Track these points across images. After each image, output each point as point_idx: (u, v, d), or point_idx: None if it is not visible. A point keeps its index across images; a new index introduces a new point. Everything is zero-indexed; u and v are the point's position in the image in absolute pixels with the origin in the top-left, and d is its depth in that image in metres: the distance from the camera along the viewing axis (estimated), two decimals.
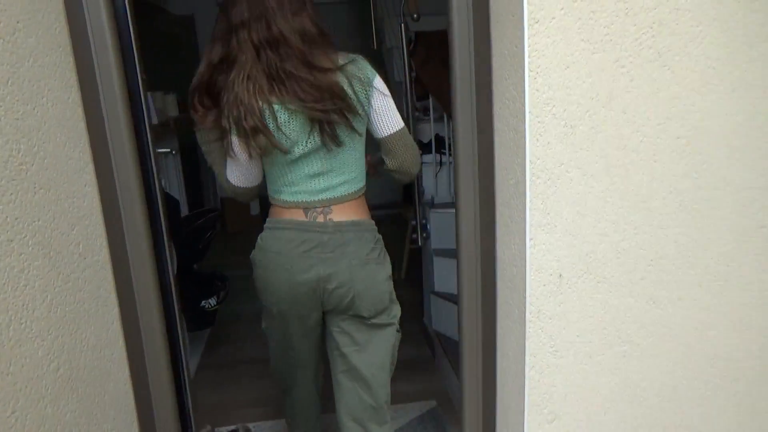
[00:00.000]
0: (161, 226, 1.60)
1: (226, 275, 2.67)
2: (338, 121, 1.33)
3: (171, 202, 2.53)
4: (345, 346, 1.50)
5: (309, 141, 1.36)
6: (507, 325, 1.39)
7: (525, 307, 1.26)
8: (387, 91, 1.41)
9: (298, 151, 1.36)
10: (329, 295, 1.43)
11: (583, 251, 1.23)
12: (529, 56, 1.13)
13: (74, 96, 1.29)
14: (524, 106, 1.16)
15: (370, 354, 1.49)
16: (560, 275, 1.24)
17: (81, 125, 1.31)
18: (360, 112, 1.36)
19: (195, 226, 2.60)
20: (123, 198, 1.41)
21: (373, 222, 1.50)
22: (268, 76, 1.31)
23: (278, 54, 1.30)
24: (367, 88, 1.37)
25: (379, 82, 1.40)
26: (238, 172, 1.44)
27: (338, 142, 1.36)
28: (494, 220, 1.39)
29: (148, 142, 1.56)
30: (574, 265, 1.23)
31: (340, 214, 1.42)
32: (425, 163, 2.76)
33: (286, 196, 1.43)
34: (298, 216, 1.42)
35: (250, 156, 1.36)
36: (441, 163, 2.70)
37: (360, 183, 1.46)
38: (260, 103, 1.31)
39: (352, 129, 1.36)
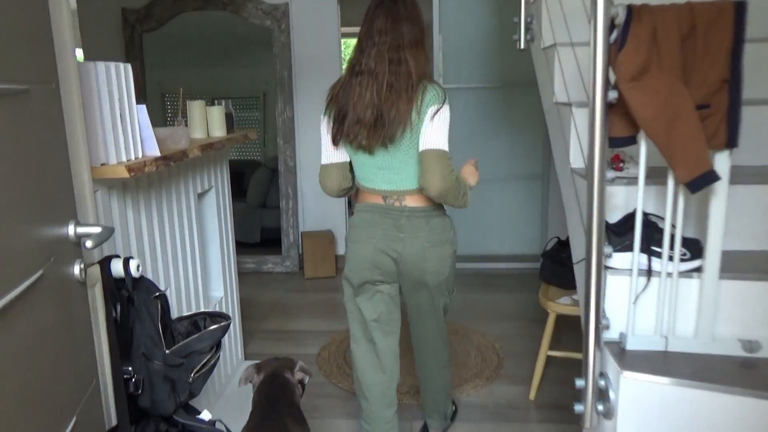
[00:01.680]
0: None
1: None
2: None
3: (144, 304, 1.42)
4: (414, 306, 1.92)
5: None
6: None
7: None
8: (438, 118, 1.65)
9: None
10: (405, 269, 1.78)
11: None
12: None
13: None
14: None
15: (430, 310, 1.92)
16: None
17: None
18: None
19: (186, 344, 1.48)
20: None
21: (442, 207, 1.80)
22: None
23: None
24: (422, 115, 1.66)
25: (432, 111, 1.65)
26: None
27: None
28: None
29: None
30: None
31: (412, 201, 1.75)
32: (612, 269, 1.43)
33: (366, 183, 1.80)
34: (379, 201, 1.78)
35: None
36: (650, 273, 1.36)
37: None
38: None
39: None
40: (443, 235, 1.77)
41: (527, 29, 2.26)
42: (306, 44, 4.16)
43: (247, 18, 4.08)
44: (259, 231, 5.35)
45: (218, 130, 2.41)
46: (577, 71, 1.66)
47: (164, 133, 1.94)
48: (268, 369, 1.68)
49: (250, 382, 1.69)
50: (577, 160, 1.71)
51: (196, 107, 2.32)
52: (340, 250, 4.42)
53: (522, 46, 2.29)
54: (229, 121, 2.54)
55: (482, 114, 4.22)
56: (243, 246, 5.19)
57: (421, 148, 1.64)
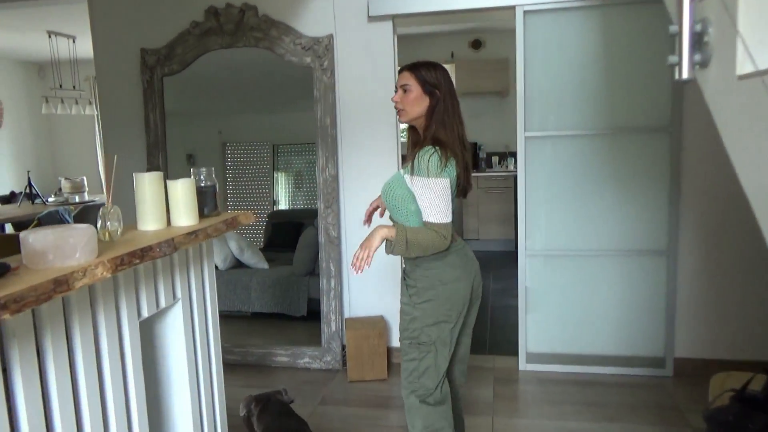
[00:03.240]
0: None
1: None
2: None
3: None
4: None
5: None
6: None
7: None
8: None
9: None
10: (478, 287, 2.01)
11: None
12: None
13: None
14: None
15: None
16: None
17: None
18: None
19: None
20: None
21: None
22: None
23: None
24: None
25: None
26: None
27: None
28: None
29: None
30: None
31: None
32: None
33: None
34: (457, 236, 1.95)
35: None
36: None
37: None
38: None
39: None
40: None
41: (696, 45, 1.28)
42: (354, 86, 3.34)
43: (283, 55, 3.32)
44: (305, 303, 4.50)
45: (185, 217, 1.56)
46: None
47: (42, 242, 1.10)
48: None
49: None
50: None
51: (145, 184, 1.48)
52: (394, 340, 3.47)
53: (685, 75, 1.30)
54: (209, 200, 1.69)
55: (578, 169, 3.20)
56: (287, 319, 4.38)
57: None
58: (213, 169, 1.70)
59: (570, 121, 3.17)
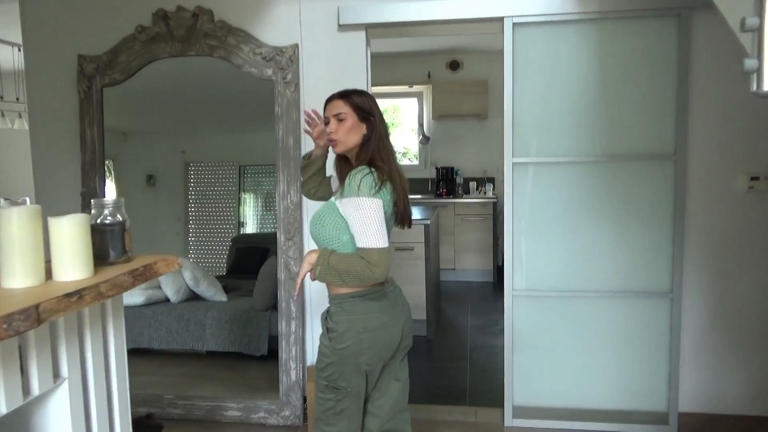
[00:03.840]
0: None
1: None
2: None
3: None
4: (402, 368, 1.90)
5: None
6: None
7: None
8: None
9: None
10: (408, 335, 1.84)
11: None
12: None
13: None
14: None
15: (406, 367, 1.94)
16: None
17: None
18: None
19: None
20: None
21: None
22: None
23: None
24: None
25: None
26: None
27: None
28: None
29: None
30: None
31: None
32: None
33: None
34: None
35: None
36: None
37: None
38: None
39: None
40: None
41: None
42: (322, 102, 2.94)
43: (241, 66, 2.92)
44: (266, 341, 4.04)
45: (73, 268, 1.13)
46: None
47: None
48: None
49: None
50: None
51: (12, 223, 1.05)
52: None
53: (766, 86, 0.95)
54: (116, 242, 1.26)
55: (571, 200, 2.85)
56: (246, 358, 3.92)
57: None
58: (122, 199, 1.29)
59: (563, 146, 2.83)
